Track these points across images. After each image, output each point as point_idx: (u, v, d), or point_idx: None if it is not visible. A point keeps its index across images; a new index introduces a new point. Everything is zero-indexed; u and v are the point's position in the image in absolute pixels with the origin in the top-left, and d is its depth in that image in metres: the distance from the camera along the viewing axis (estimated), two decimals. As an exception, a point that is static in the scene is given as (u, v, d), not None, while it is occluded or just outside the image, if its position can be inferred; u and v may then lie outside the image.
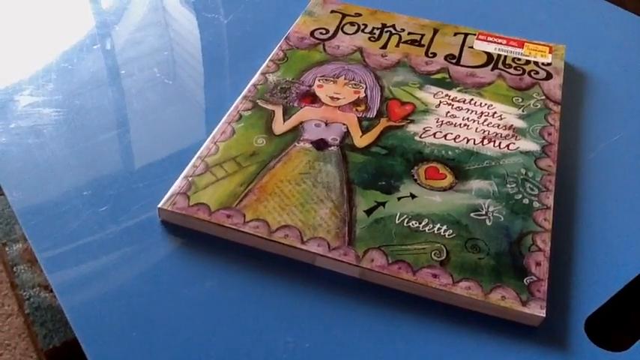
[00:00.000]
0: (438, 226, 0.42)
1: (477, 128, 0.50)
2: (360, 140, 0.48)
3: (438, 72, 0.55)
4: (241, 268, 0.41)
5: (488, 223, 0.43)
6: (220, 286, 0.40)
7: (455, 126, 0.50)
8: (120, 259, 0.42)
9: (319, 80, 0.54)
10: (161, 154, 0.49)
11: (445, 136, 0.49)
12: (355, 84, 0.53)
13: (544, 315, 0.37)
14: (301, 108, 0.51)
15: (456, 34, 0.60)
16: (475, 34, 0.60)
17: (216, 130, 0.49)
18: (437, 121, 0.50)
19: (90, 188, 0.46)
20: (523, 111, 0.52)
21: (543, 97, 0.53)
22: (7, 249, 1.04)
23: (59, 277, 0.41)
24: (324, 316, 0.39)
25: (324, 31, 0.60)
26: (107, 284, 0.40)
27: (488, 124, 0.50)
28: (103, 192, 0.46)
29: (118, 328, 0.38)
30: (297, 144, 0.48)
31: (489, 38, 0.59)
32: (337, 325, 0.39)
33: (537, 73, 0.56)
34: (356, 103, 0.52)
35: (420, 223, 0.42)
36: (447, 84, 0.54)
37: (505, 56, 0.57)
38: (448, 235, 0.42)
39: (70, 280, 0.41)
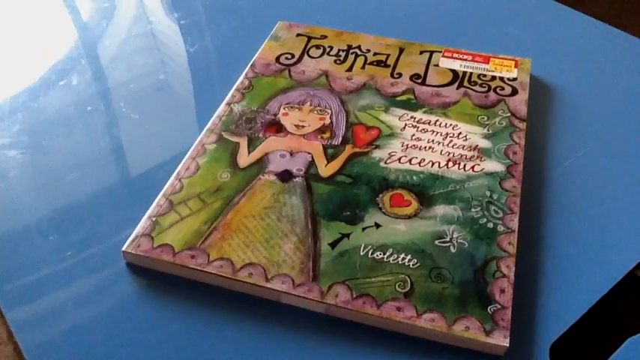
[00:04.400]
0: (403, 255, 0.42)
1: (441, 151, 0.50)
2: (325, 169, 0.48)
3: (403, 93, 0.55)
4: (207, 308, 0.41)
5: (452, 250, 0.43)
6: (185, 327, 0.40)
7: (420, 149, 0.50)
8: (84, 302, 0.42)
9: (284, 108, 0.54)
10: (128, 192, 0.49)
11: (410, 160, 0.49)
12: (320, 110, 0.53)
13: (508, 345, 0.37)
14: (266, 138, 0.51)
15: (421, 53, 0.60)
16: (441, 52, 0.60)
17: (180, 165, 0.49)
18: (402, 145, 0.50)
19: (55, 232, 0.46)
20: (488, 130, 0.52)
21: (509, 115, 0.53)
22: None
23: (18, 315, 0.41)
24: (291, 354, 0.39)
25: (289, 56, 0.59)
26: (70, 326, 0.40)
27: (453, 146, 0.50)
28: (68, 236, 0.46)
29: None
30: (261, 177, 0.48)
31: (455, 55, 0.59)
32: (304, 362, 0.39)
33: (503, 89, 0.56)
34: (321, 130, 0.52)
35: (384, 254, 0.42)
36: (412, 105, 0.54)
37: (471, 73, 0.57)
38: (412, 265, 0.42)
39: (30, 320, 0.41)
